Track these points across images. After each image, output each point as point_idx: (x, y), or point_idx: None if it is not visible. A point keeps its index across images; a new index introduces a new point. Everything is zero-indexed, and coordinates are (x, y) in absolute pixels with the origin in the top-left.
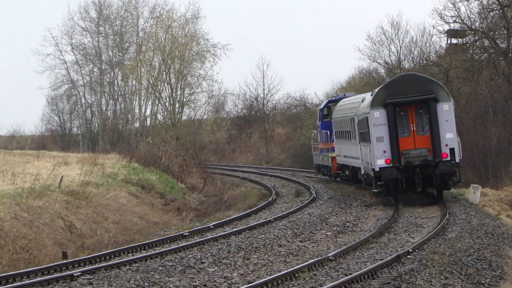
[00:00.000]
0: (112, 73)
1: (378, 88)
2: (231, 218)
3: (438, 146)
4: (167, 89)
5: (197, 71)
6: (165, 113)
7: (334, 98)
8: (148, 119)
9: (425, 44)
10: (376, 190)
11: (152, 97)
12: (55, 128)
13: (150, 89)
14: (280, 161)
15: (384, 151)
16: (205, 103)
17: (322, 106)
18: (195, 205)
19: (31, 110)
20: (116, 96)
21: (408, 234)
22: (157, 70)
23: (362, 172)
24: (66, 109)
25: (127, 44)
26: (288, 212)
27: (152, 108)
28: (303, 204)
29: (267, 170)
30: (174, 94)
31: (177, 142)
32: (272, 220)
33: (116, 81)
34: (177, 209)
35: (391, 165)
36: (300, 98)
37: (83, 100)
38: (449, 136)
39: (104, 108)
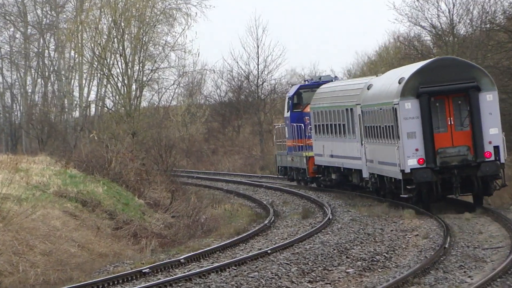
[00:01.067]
0: (41, 40)
1: (409, 74)
2: (211, 249)
3: (480, 143)
4: (120, 63)
5: (163, 37)
6: (117, 97)
7: (306, 83)
8: (93, 106)
9: (489, 0)
10: (406, 196)
11: (99, 74)
12: None
13: (96, 63)
14: None
15: (416, 149)
16: (173, 84)
17: (291, 93)
18: (158, 230)
19: None
20: (47, 73)
21: (464, 271)
22: (105, 37)
23: (364, 175)
24: None
25: None
26: (292, 240)
27: (98, 90)
28: (314, 228)
29: (262, 180)
30: (129, 70)
31: (133, 140)
32: (269, 251)
33: (47, 51)
34: (133, 235)
35: (424, 165)
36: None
37: (0, 79)
38: (493, 132)
39: (30, 90)
